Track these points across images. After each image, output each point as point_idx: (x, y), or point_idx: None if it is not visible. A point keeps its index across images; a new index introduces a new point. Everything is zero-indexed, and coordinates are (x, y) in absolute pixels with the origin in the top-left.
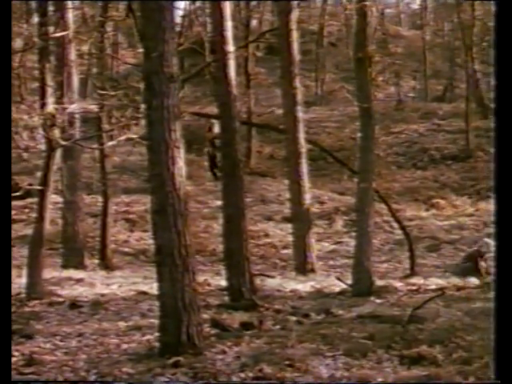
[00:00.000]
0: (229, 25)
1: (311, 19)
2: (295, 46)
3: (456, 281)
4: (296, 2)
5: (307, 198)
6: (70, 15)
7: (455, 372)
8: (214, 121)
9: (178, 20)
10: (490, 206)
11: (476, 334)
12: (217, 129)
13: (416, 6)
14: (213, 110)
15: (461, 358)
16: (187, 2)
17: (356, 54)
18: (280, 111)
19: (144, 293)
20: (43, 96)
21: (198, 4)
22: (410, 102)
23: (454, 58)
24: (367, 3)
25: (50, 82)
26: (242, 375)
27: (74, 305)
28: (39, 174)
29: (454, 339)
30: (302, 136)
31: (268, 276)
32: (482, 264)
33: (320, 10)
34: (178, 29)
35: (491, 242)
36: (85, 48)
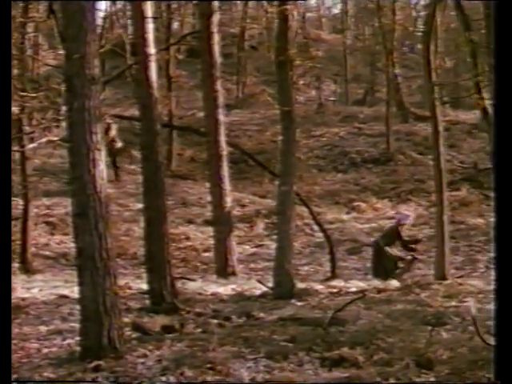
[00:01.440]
0: (150, 27)
1: (232, 22)
2: (216, 49)
3: (377, 283)
4: (217, 5)
5: (228, 200)
6: None
7: (376, 373)
8: (110, 121)
9: (100, 21)
10: (410, 208)
11: (397, 336)
12: (114, 130)
13: (337, 10)
14: (134, 112)
15: (382, 360)
16: (108, 4)
17: (277, 58)
18: (201, 114)
19: (65, 296)
20: None
21: (119, 6)
22: (331, 105)
23: (374, 62)
24: (288, 7)
25: None
26: (164, 379)
27: None
28: None
29: (374, 341)
30: (223, 139)
31: (189, 279)
32: (404, 234)
33: (241, 14)
34: (99, 30)
35: (409, 213)
36: None
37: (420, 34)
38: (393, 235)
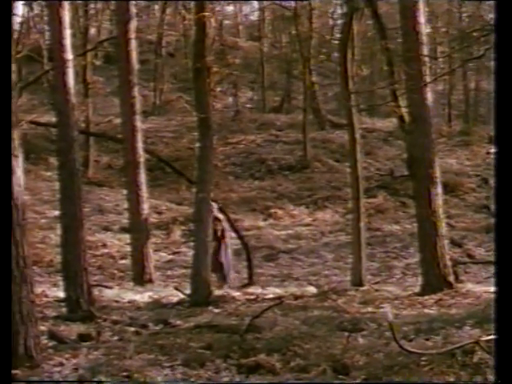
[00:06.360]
0: (67, 33)
1: (150, 29)
2: (134, 55)
3: (293, 289)
4: (134, 12)
5: (145, 207)
6: None
7: (293, 380)
8: None
9: (16, 26)
10: (326, 215)
11: (313, 342)
12: None
13: (254, 17)
14: (50, 118)
15: (298, 366)
16: (25, 8)
17: (194, 65)
18: (118, 120)
19: None
20: None
21: (36, 11)
22: (248, 112)
23: (291, 70)
24: (206, 14)
25: None
26: None
27: None
28: None
29: (291, 347)
30: (139, 146)
31: (106, 287)
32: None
33: (158, 20)
34: (15, 35)
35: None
36: None
37: (337, 42)
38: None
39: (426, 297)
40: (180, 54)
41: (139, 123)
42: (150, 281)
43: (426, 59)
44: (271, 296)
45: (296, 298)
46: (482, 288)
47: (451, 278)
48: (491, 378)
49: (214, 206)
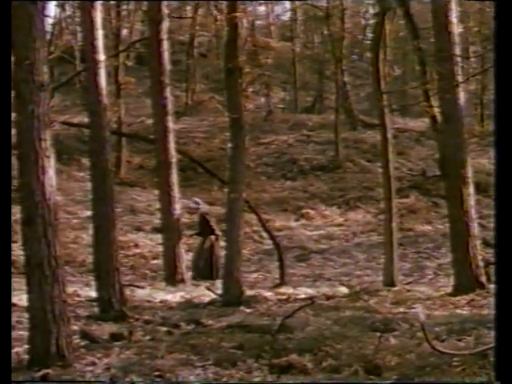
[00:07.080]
0: (99, 34)
1: (182, 29)
2: (165, 56)
3: (325, 290)
4: (167, 12)
5: (177, 208)
6: None
7: (325, 380)
8: None
9: (49, 28)
10: (358, 215)
11: (345, 343)
12: None
13: (286, 17)
14: (82, 119)
15: (330, 366)
16: (57, 10)
17: (226, 65)
18: (150, 121)
19: (13, 304)
20: None
21: (68, 12)
22: (280, 112)
23: (323, 70)
24: (238, 14)
25: None
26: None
27: None
28: None
29: (323, 347)
30: (171, 146)
31: (138, 286)
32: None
33: (190, 21)
34: (48, 37)
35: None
36: None
37: (369, 42)
38: (202, 224)
39: (458, 297)
40: (212, 55)
41: (171, 124)
42: (182, 281)
43: (458, 59)
44: (303, 296)
45: (328, 298)
46: None
47: (483, 279)
48: None
49: (199, 201)
